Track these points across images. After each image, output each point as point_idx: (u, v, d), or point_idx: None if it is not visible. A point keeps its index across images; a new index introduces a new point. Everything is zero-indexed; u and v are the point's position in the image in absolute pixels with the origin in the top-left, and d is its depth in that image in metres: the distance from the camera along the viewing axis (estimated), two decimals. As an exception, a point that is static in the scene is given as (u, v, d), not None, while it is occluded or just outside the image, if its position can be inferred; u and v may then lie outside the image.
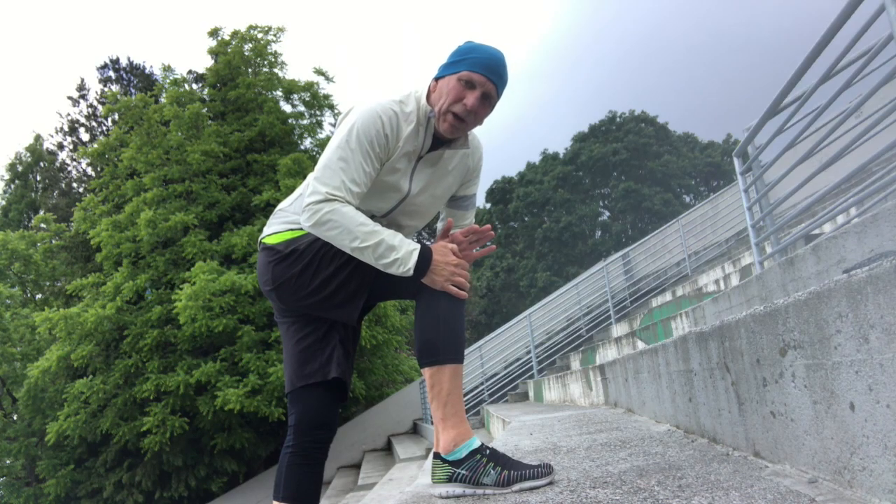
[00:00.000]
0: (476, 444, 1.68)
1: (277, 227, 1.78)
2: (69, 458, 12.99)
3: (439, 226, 2.05)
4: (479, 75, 1.69)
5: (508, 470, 1.67)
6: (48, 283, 17.47)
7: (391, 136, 1.68)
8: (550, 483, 1.71)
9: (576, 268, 25.61)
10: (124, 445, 11.82)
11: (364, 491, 8.18)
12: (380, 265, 1.61)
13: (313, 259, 1.70)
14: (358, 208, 1.67)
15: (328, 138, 15.99)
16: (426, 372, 1.70)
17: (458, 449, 1.67)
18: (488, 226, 1.81)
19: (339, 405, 1.82)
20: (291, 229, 1.76)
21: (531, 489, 1.66)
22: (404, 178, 1.75)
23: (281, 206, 1.84)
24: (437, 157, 1.80)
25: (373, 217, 1.76)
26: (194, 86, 16.70)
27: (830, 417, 1.25)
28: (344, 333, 1.83)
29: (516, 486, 1.66)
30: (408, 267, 1.60)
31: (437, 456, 1.72)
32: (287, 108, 15.40)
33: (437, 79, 1.76)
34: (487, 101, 1.72)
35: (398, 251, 1.60)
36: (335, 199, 1.61)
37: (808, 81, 3.37)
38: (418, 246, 1.62)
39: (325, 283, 1.69)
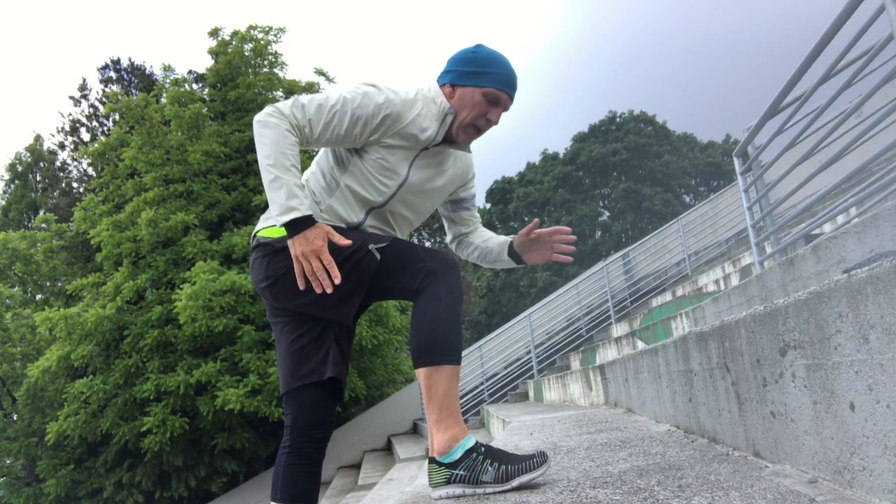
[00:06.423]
0: (471, 442, 1.67)
1: (272, 222, 1.76)
2: (69, 458, 12.98)
3: (450, 235, 2.11)
4: (504, 94, 1.76)
5: (506, 465, 1.65)
6: (48, 283, 17.47)
7: (391, 117, 1.70)
8: (548, 470, 1.71)
9: (576, 268, 25.61)
10: (124, 445, 11.81)
11: (364, 491, 8.18)
12: (268, 191, 1.62)
13: None
14: (356, 192, 1.73)
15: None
16: (421, 373, 1.66)
17: (453, 450, 1.65)
18: (568, 229, 1.93)
19: (335, 404, 1.81)
20: None
21: (530, 481, 1.66)
22: (403, 164, 1.76)
23: None
24: (440, 153, 1.83)
25: (375, 209, 1.78)
26: (194, 86, 16.70)
27: (830, 417, 1.25)
28: (339, 332, 1.82)
29: (516, 481, 1.65)
30: (278, 224, 1.60)
31: (432, 460, 1.69)
32: (287, 108, 15.38)
33: (453, 84, 1.78)
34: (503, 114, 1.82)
35: (284, 201, 1.58)
36: (290, 125, 1.64)
37: (808, 81, 3.37)
38: (305, 213, 1.59)
39: None
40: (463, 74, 1.77)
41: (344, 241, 1.61)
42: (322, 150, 1.84)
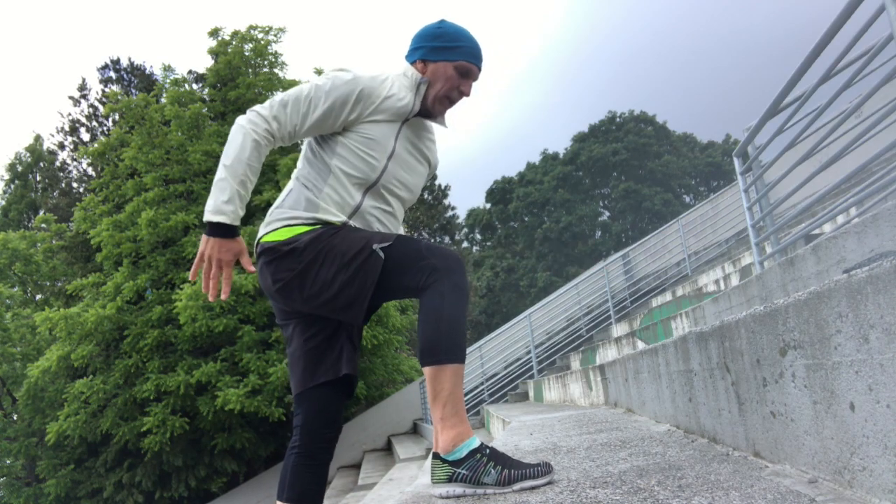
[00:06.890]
0: (476, 443, 1.67)
1: (275, 225, 1.76)
2: (69, 458, 12.99)
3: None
4: (474, 66, 1.85)
5: (509, 469, 1.66)
6: (48, 283, 17.48)
7: (364, 92, 1.76)
8: (550, 482, 1.71)
9: (576, 268, 25.61)
10: (124, 445, 11.82)
11: (364, 491, 8.18)
12: (213, 186, 1.67)
13: (315, 259, 1.68)
14: (349, 173, 1.76)
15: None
16: (427, 371, 1.67)
17: (457, 449, 1.66)
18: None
19: (345, 402, 1.82)
20: (288, 225, 1.74)
21: (531, 488, 1.66)
22: (389, 137, 1.81)
23: (275, 204, 1.84)
24: (420, 125, 1.90)
25: (370, 187, 1.79)
26: (195, 86, 16.71)
27: (830, 417, 1.25)
28: (350, 329, 1.83)
29: (517, 486, 1.65)
30: (205, 218, 1.66)
31: (436, 456, 1.71)
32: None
33: (424, 59, 1.85)
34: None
35: (221, 203, 1.63)
36: (267, 129, 1.70)
37: (808, 81, 3.37)
38: (233, 223, 1.64)
39: (328, 285, 1.67)
40: (433, 50, 1.84)
41: (251, 268, 1.67)
42: (305, 145, 1.88)
